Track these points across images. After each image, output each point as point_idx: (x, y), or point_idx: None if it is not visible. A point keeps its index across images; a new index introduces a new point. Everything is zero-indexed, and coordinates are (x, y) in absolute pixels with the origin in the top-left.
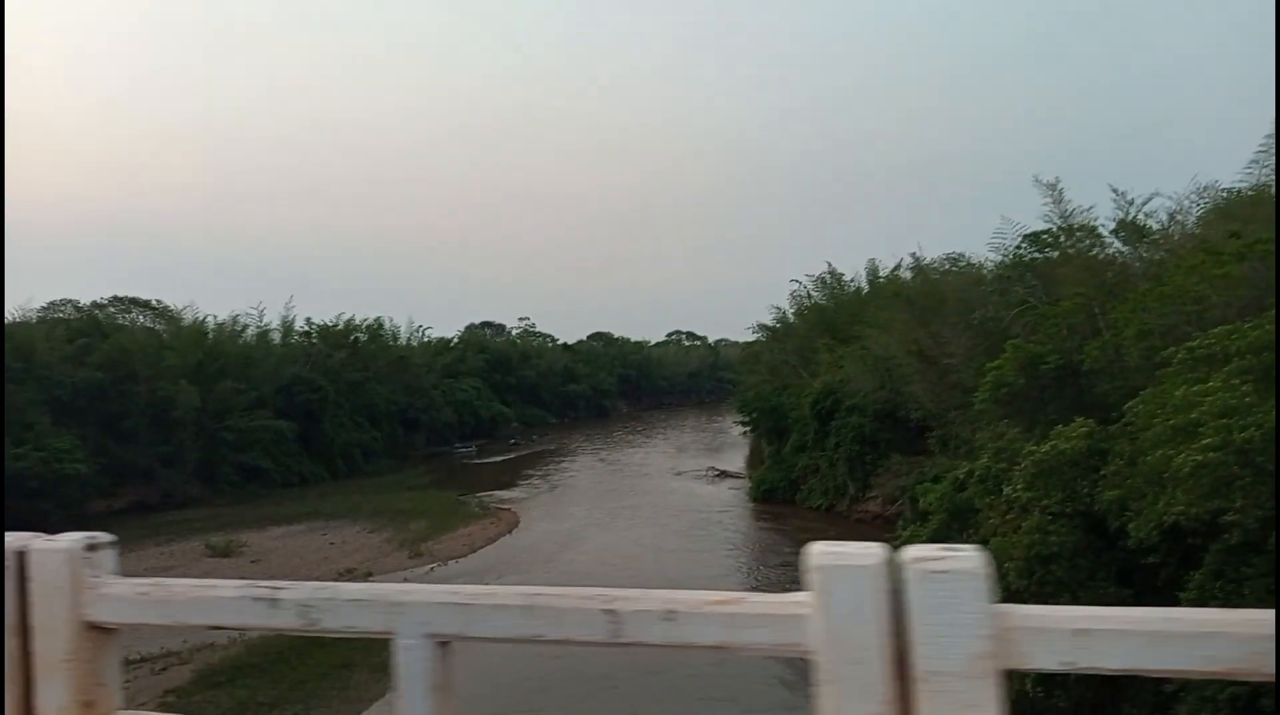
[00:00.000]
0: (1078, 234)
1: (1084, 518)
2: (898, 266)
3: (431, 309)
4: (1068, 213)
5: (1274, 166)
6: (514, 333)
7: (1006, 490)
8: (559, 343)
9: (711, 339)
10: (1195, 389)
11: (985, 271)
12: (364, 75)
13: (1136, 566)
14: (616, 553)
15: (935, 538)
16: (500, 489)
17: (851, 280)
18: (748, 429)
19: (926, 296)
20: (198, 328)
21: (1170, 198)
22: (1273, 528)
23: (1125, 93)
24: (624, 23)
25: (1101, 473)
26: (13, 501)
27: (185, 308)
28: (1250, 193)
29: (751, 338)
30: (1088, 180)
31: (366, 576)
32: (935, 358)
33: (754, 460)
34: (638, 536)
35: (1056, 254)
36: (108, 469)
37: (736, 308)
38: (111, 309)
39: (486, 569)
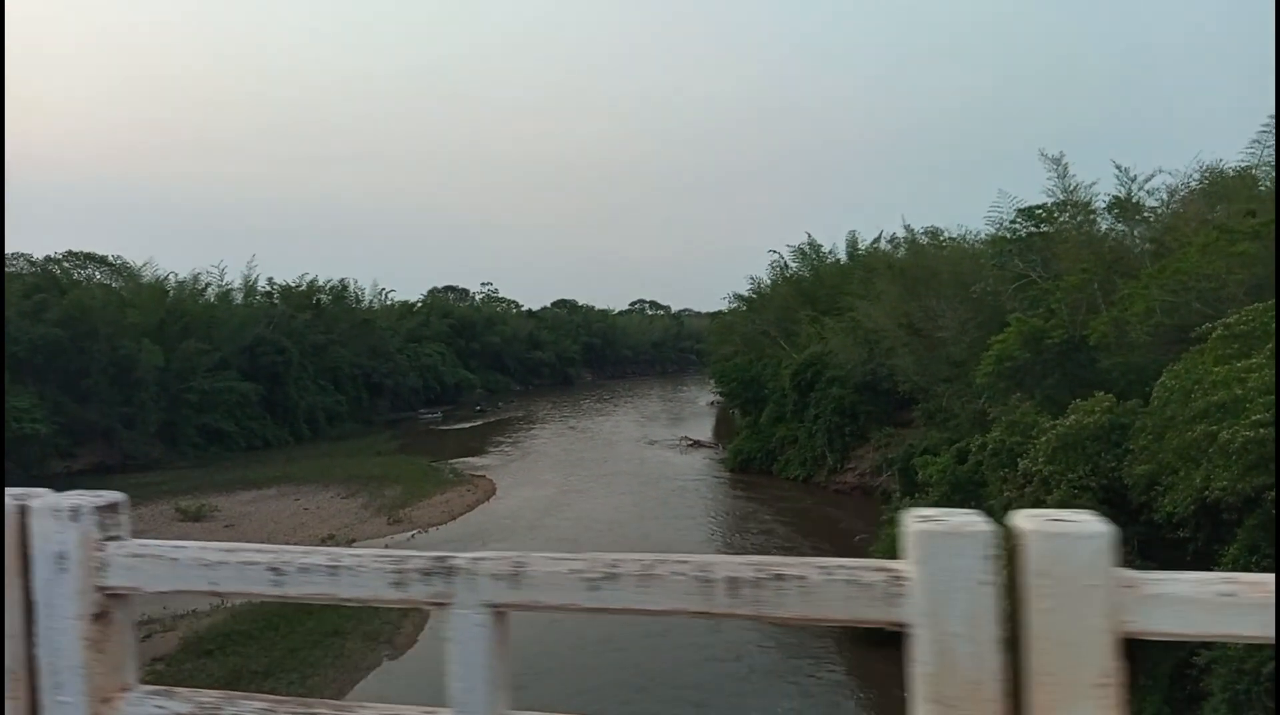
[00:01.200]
0: (1077, 210)
1: (1106, 491)
2: (877, 239)
3: (393, 271)
4: (1071, 188)
5: (1274, 162)
6: (477, 298)
7: (1023, 463)
8: (523, 309)
9: (675, 309)
10: (1239, 365)
11: (977, 245)
12: (337, 36)
13: (1159, 540)
14: (599, 520)
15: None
16: (471, 456)
17: (830, 252)
18: (718, 399)
19: (918, 269)
20: (159, 285)
21: (1173, 174)
22: None
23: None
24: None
25: (1125, 447)
26: None
27: (144, 264)
28: (1234, 174)
29: (718, 309)
30: (1079, 156)
31: (349, 543)
32: (925, 331)
33: (722, 430)
34: (617, 504)
35: (1053, 229)
36: (66, 428)
37: (700, 278)
38: (66, 264)
39: (469, 536)
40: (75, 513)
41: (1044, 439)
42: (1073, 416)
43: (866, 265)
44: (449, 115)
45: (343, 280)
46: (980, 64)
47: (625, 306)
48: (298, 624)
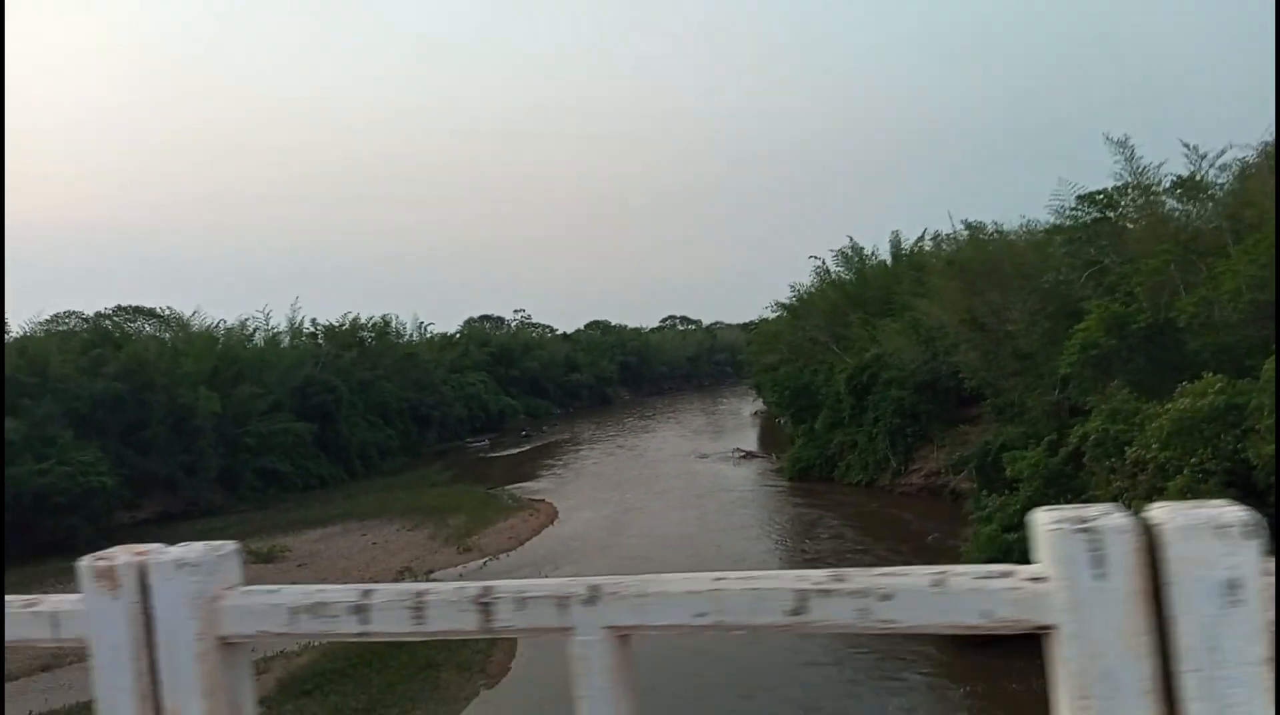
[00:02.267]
0: (1142, 192)
1: (1230, 474)
2: (921, 238)
3: (427, 305)
4: (1139, 169)
5: (1275, 160)
6: (512, 325)
7: (1131, 451)
8: (558, 333)
9: (706, 323)
10: None
11: (1037, 235)
12: (354, 74)
13: None
14: (667, 536)
15: (1030, 506)
16: (525, 481)
17: (872, 253)
18: (762, 409)
19: (979, 263)
20: (210, 334)
21: (1248, 148)
22: None
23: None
24: (619, 18)
25: (1246, 427)
26: (40, 518)
27: (193, 314)
28: None
29: (750, 320)
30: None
31: (428, 575)
32: (990, 325)
33: (769, 440)
34: (681, 518)
35: (1124, 213)
36: (129, 480)
37: (729, 291)
38: (116, 318)
39: (540, 561)
40: (193, 565)
41: (1156, 425)
42: (1183, 400)
43: (917, 264)
44: (473, 145)
45: (385, 317)
46: (1001, 57)
47: (656, 323)
48: (390, 659)
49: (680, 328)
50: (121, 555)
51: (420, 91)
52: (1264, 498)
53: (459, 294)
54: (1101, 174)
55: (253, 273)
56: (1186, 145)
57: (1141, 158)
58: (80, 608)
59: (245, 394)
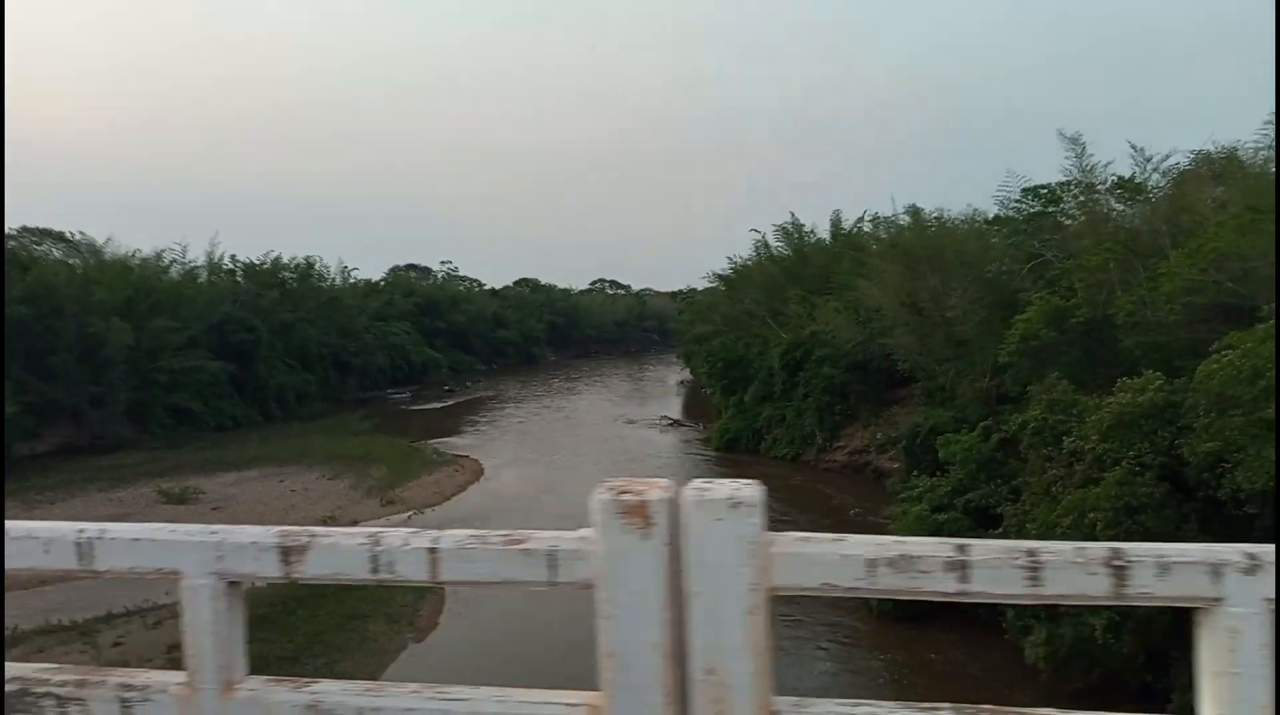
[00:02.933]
0: (1085, 190)
1: (1163, 468)
2: (861, 218)
3: (350, 249)
4: (1088, 167)
5: (1274, 154)
6: (439, 276)
7: (1069, 442)
8: (486, 288)
9: (635, 288)
10: None
11: (979, 224)
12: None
13: (1219, 516)
14: None
15: (961, 489)
16: (449, 436)
17: (811, 231)
18: (687, 378)
19: (922, 248)
20: (125, 263)
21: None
22: None
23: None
24: None
25: (1181, 425)
26: None
27: (106, 241)
28: (1222, 156)
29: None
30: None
31: (352, 524)
32: (928, 310)
33: (694, 410)
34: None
35: (1066, 209)
36: (30, 408)
37: (659, 259)
38: (21, 239)
39: (467, 517)
40: (752, 505)
41: (1096, 417)
42: (1123, 395)
43: (856, 244)
44: (405, 95)
45: (308, 258)
46: (963, 49)
47: (586, 285)
48: (316, 607)
49: (610, 292)
50: (651, 488)
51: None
52: (1193, 492)
53: (384, 241)
54: (1054, 170)
55: (169, 205)
56: (1133, 147)
57: (1091, 155)
58: (589, 547)
59: (160, 328)
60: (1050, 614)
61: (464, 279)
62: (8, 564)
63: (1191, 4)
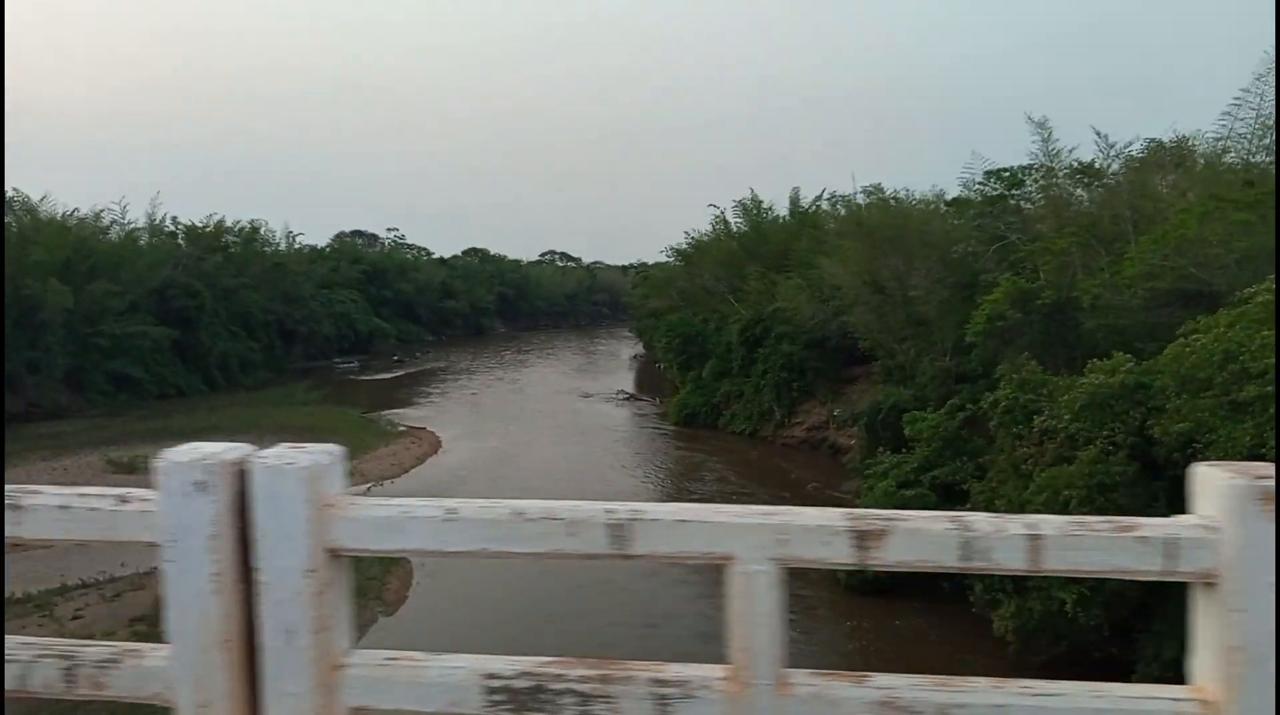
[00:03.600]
0: (1047, 174)
1: (1133, 448)
2: (819, 197)
3: (293, 213)
4: (1053, 152)
5: (1274, 154)
6: (386, 243)
7: (1039, 421)
8: (434, 257)
9: (586, 261)
10: None
11: (938, 205)
12: None
13: (1186, 495)
14: (557, 470)
15: (927, 465)
16: (402, 407)
17: (769, 209)
18: (639, 353)
19: (886, 227)
20: (63, 222)
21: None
22: None
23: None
24: None
25: (1155, 407)
26: None
27: (43, 199)
28: (1174, 144)
29: (634, 262)
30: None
31: None
32: (889, 289)
33: (646, 384)
34: (568, 455)
35: (1028, 192)
36: None
37: (610, 233)
38: None
39: (429, 489)
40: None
41: (1067, 397)
42: (1094, 375)
43: (814, 222)
44: (355, 54)
45: (253, 222)
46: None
47: (536, 257)
48: None
49: (560, 264)
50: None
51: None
52: (1162, 472)
53: (329, 207)
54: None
55: (104, 161)
56: (1097, 133)
57: (1057, 140)
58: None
59: (100, 291)
60: (1019, 587)
61: (411, 247)
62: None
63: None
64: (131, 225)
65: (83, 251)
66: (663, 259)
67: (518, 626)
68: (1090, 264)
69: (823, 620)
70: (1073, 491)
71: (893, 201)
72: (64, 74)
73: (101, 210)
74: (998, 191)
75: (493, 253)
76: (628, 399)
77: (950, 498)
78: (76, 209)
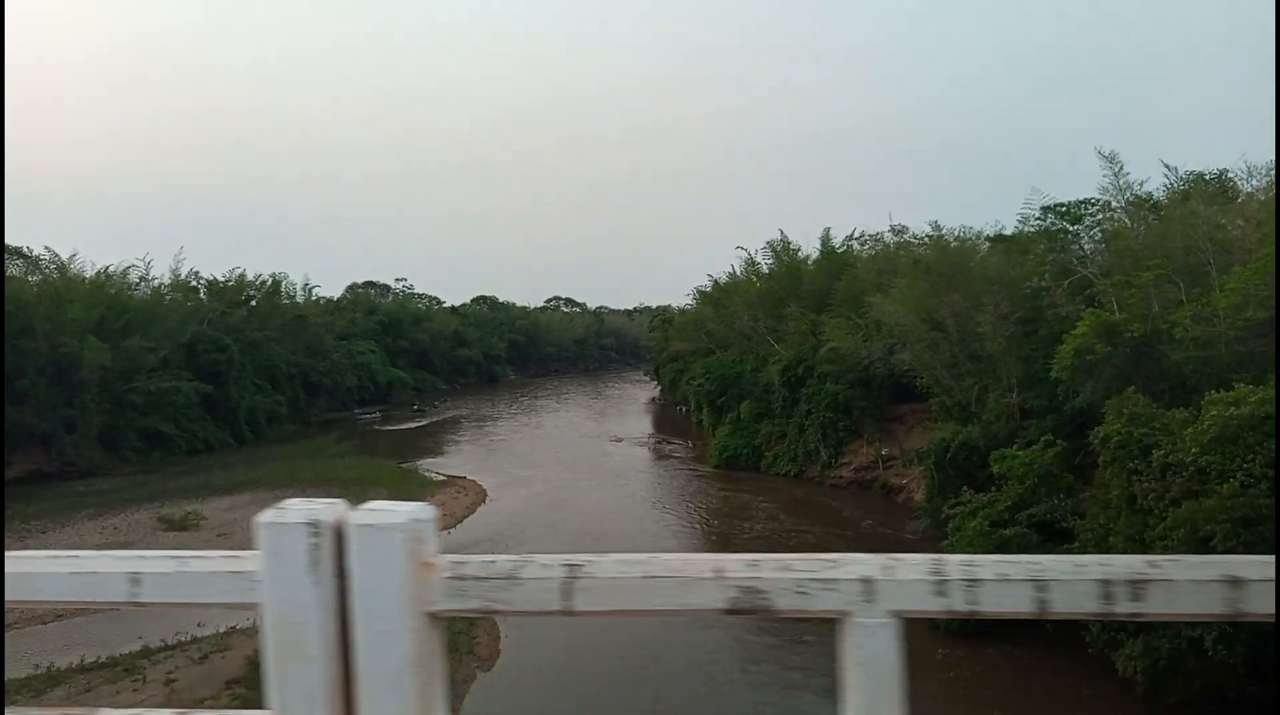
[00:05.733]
0: (1147, 206)
1: (1271, 481)
2: (850, 236)
3: (303, 267)
4: (1124, 185)
5: (1275, 154)
6: (398, 294)
7: (1158, 454)
8: (445, 305)
9: (591, 306)
10: None
11: (981, 242)
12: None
13: None
14: (612, 516)
15: (1021, 503)
16: (434, 456)
17: (797, 248)
18: (655, 395)
19: (945, 265)
20: (100, 279)
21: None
22: None
23: None
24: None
25: None
26: None
27: (71, 257)
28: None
29: (635, 307)
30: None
31: None
32: (948, 326)
33: (670, 427)
34: (616, 500)
35: (1095, 224)
36: None
37: (613, 278)
38: None
39: (488, 539)
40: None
41: (1192, 430)
42: (1213, 408)
43: (848, 261)
44: (350, 108)
45: (275, 275)
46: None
47: (541, 303)
48: None
49: (565, 309)
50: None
51: (305, 46)
52: None
53: (334, 259)
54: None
55: (109, 219)
56: (1166, 166)
57: (1127, 173)
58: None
59: (134, 348)
60: (1139, 627)
61: (422, 297)
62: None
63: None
64: (156, 281)
65: (116, 308)
66: (670, 302)
67: (613, 678)
68: (1168, 297)
69: (922, 667)
70: (1215, 526)
71: (953, 240)
72: (70, 133)
73: (129, 267)
74: (1058, 226)
75: (501, 300)
76: (660, 442)
77: (1050, 536)
78: (108, 266)
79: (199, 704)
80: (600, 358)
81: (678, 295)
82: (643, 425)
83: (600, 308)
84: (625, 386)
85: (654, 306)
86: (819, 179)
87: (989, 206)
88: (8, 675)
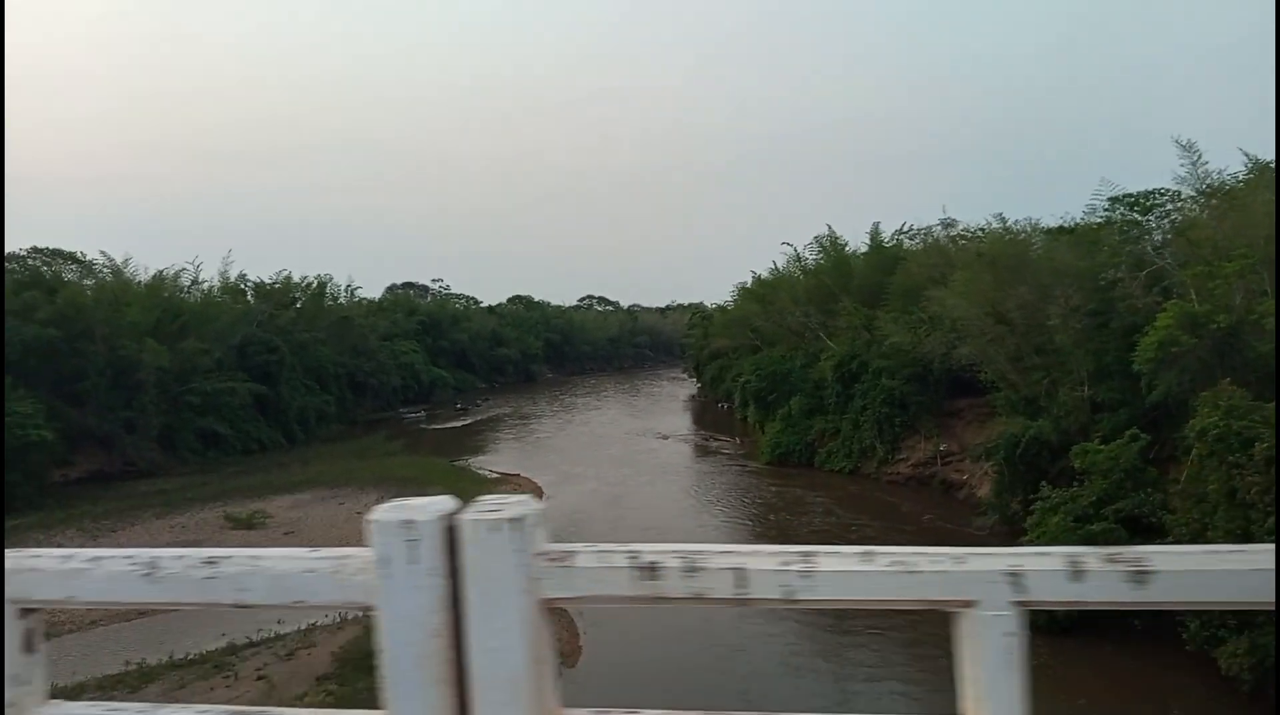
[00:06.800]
0: (1224, 197)
1: None
2: (899, 231)
3: (340, 269)
4: (1203, 174)
5: (1275, 153)
6: (437, 294)
7: (1260, 447)
8: (482, 305)
9: (624, 304)
10: None
11: (1045, 234)
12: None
13: None
14: (668, 510)
15: (1106, 498)
16: (483, 454)
17: (844, 245)
18: (695, 392)
19: (1010, 257)
20: (157, 282)
21: None
22: None
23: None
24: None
25: None
26: None
27: (125, 262)
28: None
29: (667, 304)
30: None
31: None
32: (1014, 320)
33: (713, 424)
34: (669, 495)
35: (1172, 214)
36: (61, 435)
37: (645, 275)
38: (31, 262)
39: (554, 536)
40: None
41: None
42: None
43: (898, 255)
44: (382, 114)
45: (320, 276)
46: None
47: (574, 302)
48: None
49: (599, 308)
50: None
51: (334, 53)
52: None
53: (369, 260)
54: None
55: (138, 223)
56: (1245, 154)
57: (1206, 163)
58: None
59: (190, 350)
60: (1242, 623)
61: (460, 297)
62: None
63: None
64: (205, 283)
65: (171, 311)
66: (702, 299)
67: (701, 669)
68: (1251, 287)
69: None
70: None
71: (1017, 233)
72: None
73: (180, 270)
74: (1127, 217)
75: (536, 299)
76: (706, 439)
77: (1137, 531)
78: (163, 270)
79: (297, 700)
80: (635, 356)
81: (710, 293)
82: (685, 422)
83: (633, 306)
84: (662, 384)
85: (686, 304)
86: (843, 176)
87: (1025, 199)
88: (100, 671)
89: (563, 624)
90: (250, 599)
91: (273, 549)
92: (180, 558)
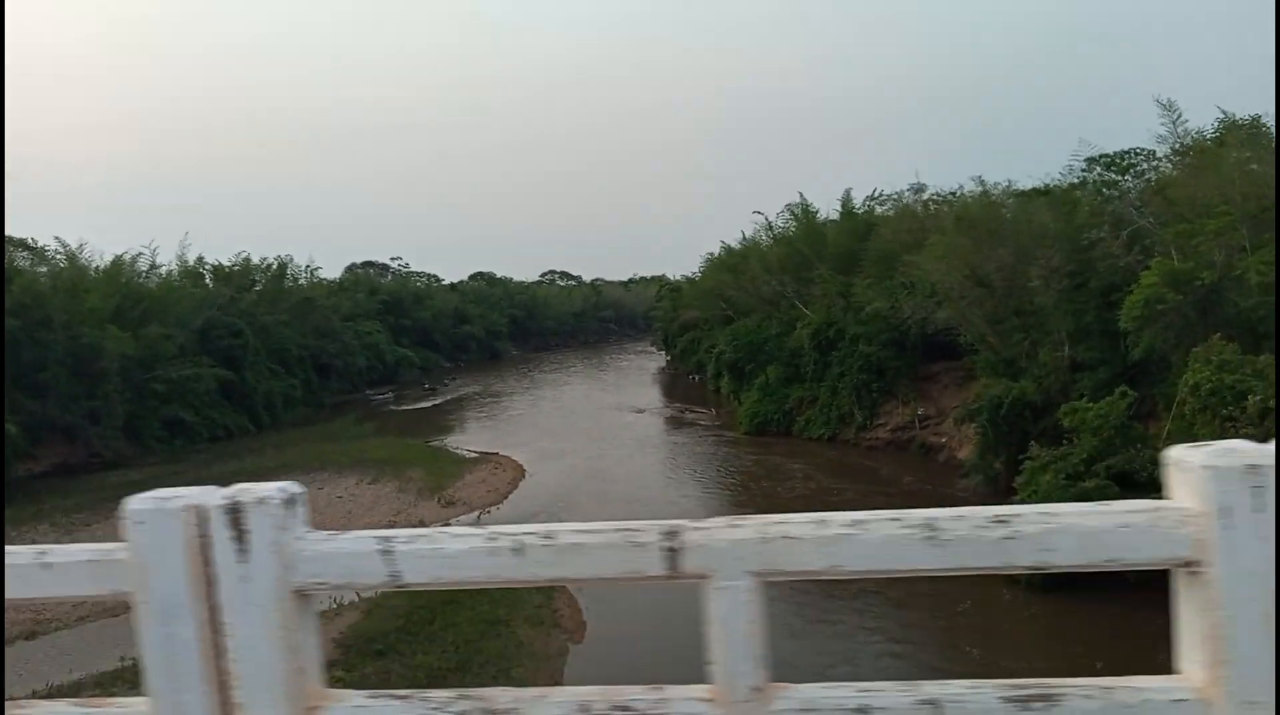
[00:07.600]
0: (1204, 153)
1: None
2: (870, 197)
3: (297, 247)
4: (1183, 133)
5: (1275, 152)
6: (398, 272)
7: (1253, 401)
8: (443, 282)
9: (586, 279)
10: None
11: (1018, 194)
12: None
13: None
14: (653, 484)
15: (1096, 456)
16: (458, 434)
17: (815, 212)
18: (663, 365)
19: (990, 220)
20: (115, 268)
21: None
22: None
23: None
24: None
25: None
26: None
27: (80, 247)
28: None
29: (629, 278)
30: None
31: (419, 524)
32: (992, 282)
33: (680, 395)
34: (651, 468)
35: (1148, 173)
36: (23, 427)
37: (607, 249)
38: None
39: (539, 512)
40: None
41: None
42: None
43: (871, 222)
44: (332, 84)
45: (279, 258)
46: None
47: (536, 277)
48: (452, 616)
49: (561, 283)
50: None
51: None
52: None
53: (323, 239)
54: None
55: (85, 201)
56: (1222, 111)
57: (1185, 121)
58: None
59: (154, 336)
60: None
61: (420, 275)
62: None
63: None
64: (163, 268)
65: (131, 297)
66: (665, 272)
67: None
68: (1232, 244)
69: (1008, 623)
70: None
71: (1003, 193)
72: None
73: (138, 254)
74: (1105, 178)
75: (498, 276)
76: (681, 411)
77: (1129, 487)
78: (120, 254)
79: None
80: (600, 330)
81: (674, 265)
82: (657, 395)
83: (596, 280)
84: (630, 357)
85: (649, 277)
86: (810, 147)
87: (999, 163)
88: (98, 668)
89: (564, 599)
90: (1056, 560)
91: (1067, 505)
92: (961, 518)
